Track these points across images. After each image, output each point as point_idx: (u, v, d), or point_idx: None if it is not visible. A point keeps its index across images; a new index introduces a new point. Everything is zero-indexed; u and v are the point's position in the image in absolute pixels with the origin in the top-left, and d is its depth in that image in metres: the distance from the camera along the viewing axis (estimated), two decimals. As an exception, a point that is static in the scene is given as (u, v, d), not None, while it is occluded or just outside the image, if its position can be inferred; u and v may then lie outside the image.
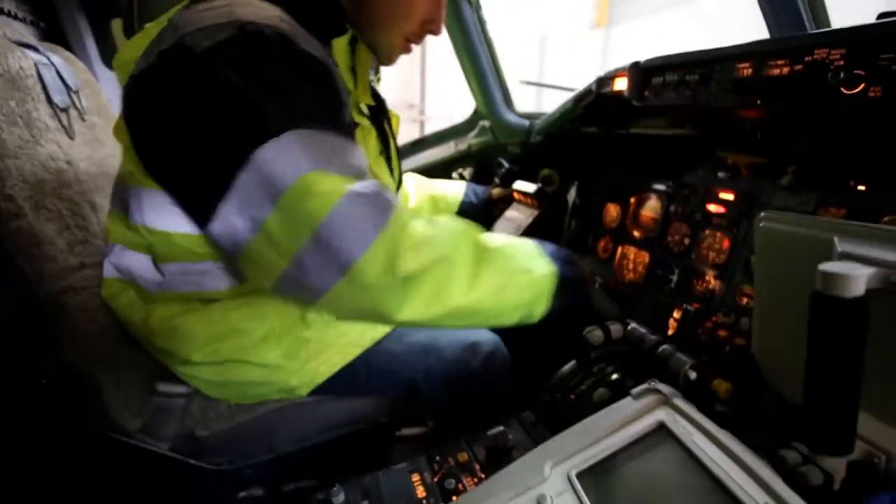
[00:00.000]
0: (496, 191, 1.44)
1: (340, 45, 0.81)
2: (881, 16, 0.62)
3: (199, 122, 0.64)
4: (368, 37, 0.85)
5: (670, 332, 0.94)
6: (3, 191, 0.78)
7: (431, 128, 2.07)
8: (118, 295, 0.83)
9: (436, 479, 0.66)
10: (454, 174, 1.86)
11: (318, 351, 0.88)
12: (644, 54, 0.99)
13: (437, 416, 1.07)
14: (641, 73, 0.97)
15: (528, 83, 2.01)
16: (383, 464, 0.70)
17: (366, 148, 0.89)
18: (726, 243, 0.90)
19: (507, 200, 1.44)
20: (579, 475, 0.49)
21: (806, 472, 0.43)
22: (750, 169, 0.91)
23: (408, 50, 0.88)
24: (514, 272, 0.76)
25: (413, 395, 0.95)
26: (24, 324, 0.85)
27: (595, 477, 0.49)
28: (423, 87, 7.61)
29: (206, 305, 0.81)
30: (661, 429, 0.51)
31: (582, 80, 1.21)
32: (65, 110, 0.95)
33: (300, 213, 0.62)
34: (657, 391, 0.55)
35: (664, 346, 0.69)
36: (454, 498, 0.62)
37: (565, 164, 1.40)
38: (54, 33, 1.37)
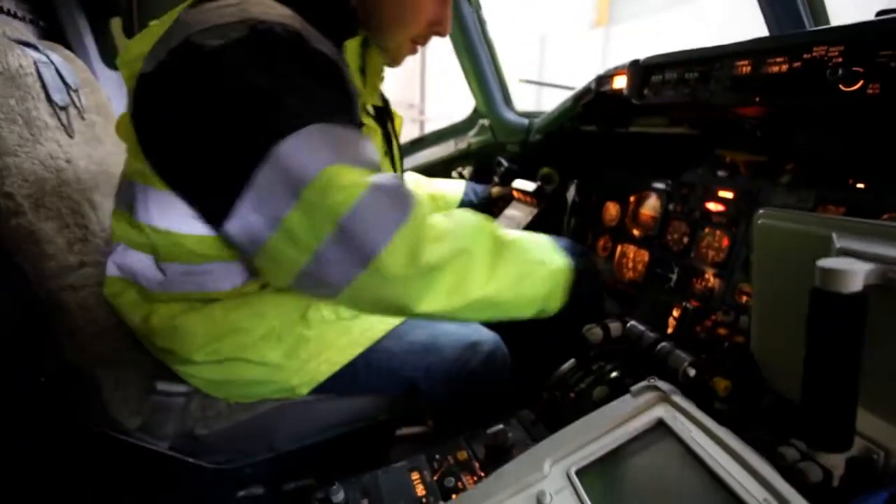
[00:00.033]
0: (496, 189, 1.44)
1: (352, 46, 0.81)
2: (880, 13, 0.62)
3: (213, 121, 0.64)
4: (375, 38, 0.85)
5: (670, 330, 0.94)
6: (3, 189, 0.78)
7: (431, 128, 2.07)
8: (120, 294, 0.83)
9: (435, 478, 0.66)
10: (454, 173, 1.86)
11: (318, 350, 0.88)
12: (644, 54, 0.99)
13: (437, 415, 1.07)
14: (641, 71, 0.97)
15: (528, 82, 2.01)
16: (383, 462, 0.70)
17: None
18: (725, 242, 0.90)
19: (506, 199, 1.44)
20: (578, 472, 0.49)
21: (805, 468, 0.43)
22: (749, 167, 0.91)
23: (414, 51, 0.89)
24: (532, 264, 0.77)
25: (413, 394, 0.95)
26: (23, 322, 0.85)
27: (594, 474, 0.49)
28: (423, 87, 7.62)
29: (207, 305, 0.81)
30: (661, 426, 0.51)
31: (582, 79, 1.21)
32: (64, 109, 0.95)
33: (323, 205, 0.62)
34: (656, 388, 0.55)
35: (663, 344, 0.69)
36: (454, 496, 0.62)
37: (565, 162, 1.40)
38: (54, 32, 1.37)
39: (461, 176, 1.84)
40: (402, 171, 1.08)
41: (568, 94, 1.29)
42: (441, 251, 0.67)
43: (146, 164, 0.72)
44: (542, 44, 7.14)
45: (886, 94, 0.59)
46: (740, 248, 0.87)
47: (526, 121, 1.67)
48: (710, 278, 0.91)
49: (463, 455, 0.70)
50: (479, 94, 1.78)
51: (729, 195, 0.91)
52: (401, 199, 0.66)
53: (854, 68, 0.61)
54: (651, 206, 1.09)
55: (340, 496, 0.62)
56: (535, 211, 1.35)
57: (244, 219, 0.64)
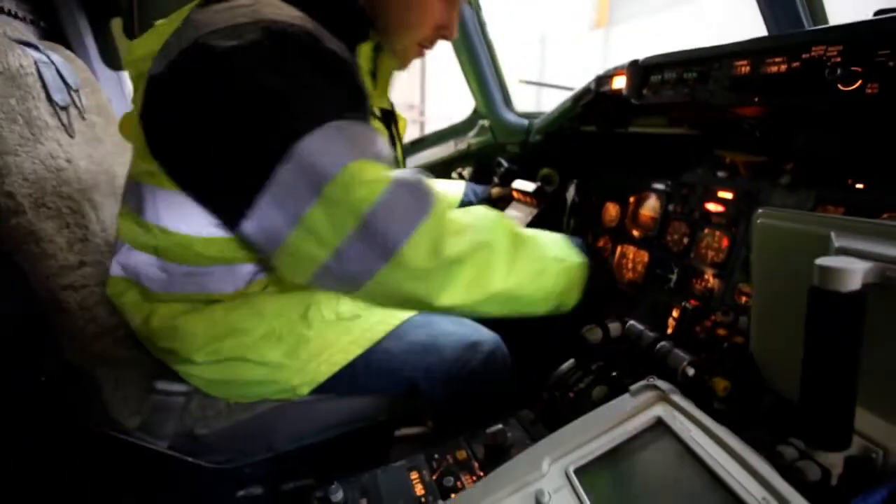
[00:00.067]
0: (495, 190, 1.44)
1: (364, 50, 0.82)
2: (878, 12, 0.62)
3: (229, 121, 0.64)
4: (383, 41, 0.85)
5: (669, 331, 0.94)
6: (3, 188, 0.78)
7: (431, 128, 2.07)
8: (122, 294, 0.83)
9: (434, 477, 0.66)
10: (453, 174, 1.86)
11: (319, 350, 0.88)
12: (644, 54, 0.99)
13: (437, 416, 1.07)
14: (640, 71, 0.97)
15: (528, 82, 2.01)
16: (382, 462, 0.70)
17: None
18: (725, 242, 0.90)
19: (506, 200, 1.44)
20: (577, 471, 0.49)
21: (803, 467, 0.43)
22: (748, 168, 0.91)
23: (421, 55, 0.89)
24: (549, 260, 0.78)
25: (413, 394, 0.95)
26: (22, 322, 0.85)
27: (593, 472, 0.49)
28: (424, 87, 7.63)
29: (208, 306, 0.81)
30: (659, 425, 0.51)
31: (582, 80, 1.21)
32: (65, 109, 0.95)
33: (346, 201, 0.63)
34: (655, 387, 0.55)
35: (662, 343, 0.69)
36: (452, 495, 0.62)
37: (564, 163, 1.40)
38: (54, 32, 1.38)
39: (461, 176, 1.84)
40: None
41: (568, 94, 1.29)
42: (462, 244, 0.68)
43: (154, 164, 0.72)
44: (543, 44, 7.15)
45: (884, 94, 0.59)
46: (740, 248, 0.87)
47: (526, 121, 1.67)
48: (710, 279, 0.91)
49: (462, 455, 0.70)
50: (478, 94, 1.78)
51: (728, 196, 0.91)
52: (422, 194, 0.67)
53: (852, 68, 0.61)
54: (651, 206, 1.09)
55: (339, 495, 0.62)
56: (534, 211, 1.35)
57: (263, 218, 0.65)
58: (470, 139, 1.81)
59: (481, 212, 0.75)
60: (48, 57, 0.94)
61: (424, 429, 1.19)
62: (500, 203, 1.44)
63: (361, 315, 0.93)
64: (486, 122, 1.77)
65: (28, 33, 0.99)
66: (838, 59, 0.63)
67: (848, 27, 0.64)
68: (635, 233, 1.12)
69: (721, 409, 0.59)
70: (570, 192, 1.33)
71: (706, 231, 0.94)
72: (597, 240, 1.25)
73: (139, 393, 0.86)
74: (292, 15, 0.69)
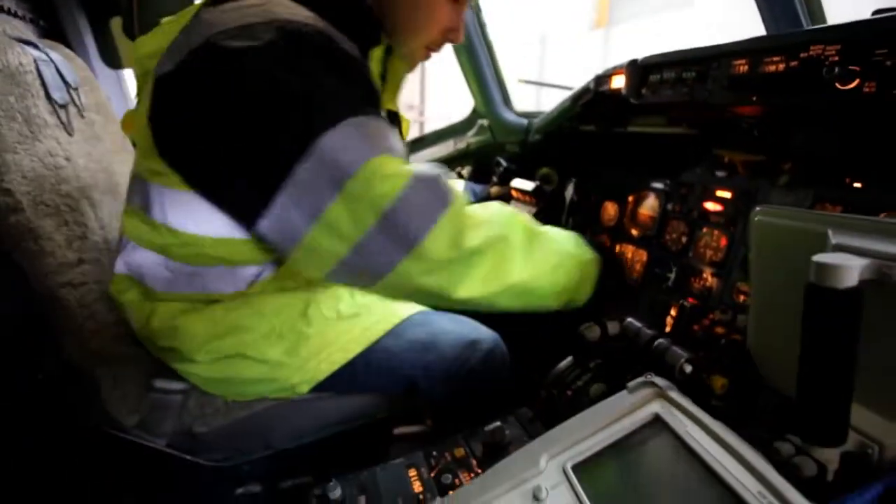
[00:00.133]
0: (494, 189, 1.45)
1: (376, 54, 0.83)
2: (876, 12, 0.63)
3: (245, 121, 0.65)
4: (391, 44, 0.86)
5: (667, 329, 0.94)
6: (2, 185, 0.78)
7: (431, 128, 2.07)
8: (124, 292, 0.83)
9: (432, 475, 0.66)
10: (452, 173, 1.86)
11: (319, 348, 0.88)
12: (643, 54, 0.99)
13: (436, 414, 1.07)
14: (639, 70, 0.97)
15: (527, 82, 2.02)
16: (381, 460, 0.70)
17: None
18: (723, 241, 0.90)
19: (505, 199, 1.44)
20: (575, 467, 0.49)
21: (799, 463, 0.44)
22: (747, 167, 0.91)
23: (427, 57, 0.90)
24: (563, 255, 0.80)
25: (412, 393, 0.95)
26: (21, 319, 0.85)
27: (590, 469, 0.49)
28: (423, 88, 7.63)
29: (208, 306, 0.81)
30: (657, 421, 0.51)
31: (581, 80, 1.22)
32: (64, 107, 0.95)
33: (367, 196, 0.64)
34: (653, 384, 0.55)
35: (660, 341, 0.69)
36: (451, 493, 0.62)
37: (563, 162, 1.40)
38: (54, 31, 1.38)
39: (460, 176, 1.84)
40: None
41: (567, 94, 1.29)
42: (480, 237, 0.69)
43: (162, 163, 0.72)
44: (543, 44, 7.15)
45: (882, 93, 0.59)
46: (738, 247, 0.87)
47: (525, 121, 1.67)
48: (708, 278, 0.91)
49: (460, 452, 0.70)
50: (478, 94, 1.78)
51: (727, 195, 0.91)
52: (442, 188, 0.69)
53: (850, 67, 0.61)
54: (649, 205, 1.09)
55: (337, 493, 0.62)
56: (533, 210, 1.35)
57: (281, 215, 0.65)
58: (469, 138, 1.82)
59: (496, 207, 0.78)
60: (47, 55, 0.94)
61: (423, 427, 1.19)
62: (499, 202, 1.45)
63: (361, 313, 0.93)
64: (485, 122, 1.77)
65: (27, 32, 0.99)
66: (836, 59, 0.63)
67: (846, 27, 0.64)
68: (634, 232, 1.12)
69: (719, 406, 0.59)
70: (569, 192, 1.33)
71: (705, 230, 0.94)
72: (595, 239, 1.25)
73: (137, 391, 0.86)
74: (304, 15, 0.70)
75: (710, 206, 0.94)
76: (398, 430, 1.11)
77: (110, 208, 1.01)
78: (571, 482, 0.47)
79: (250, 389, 0.87)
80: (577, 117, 1.28)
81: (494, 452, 0.67)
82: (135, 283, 0.83)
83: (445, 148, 1.92)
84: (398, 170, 0.65)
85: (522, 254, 0.74)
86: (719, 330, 0.84)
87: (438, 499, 0.61)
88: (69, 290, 0.84)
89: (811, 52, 0.66)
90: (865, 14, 0.63)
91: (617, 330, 0.79)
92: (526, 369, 1.03)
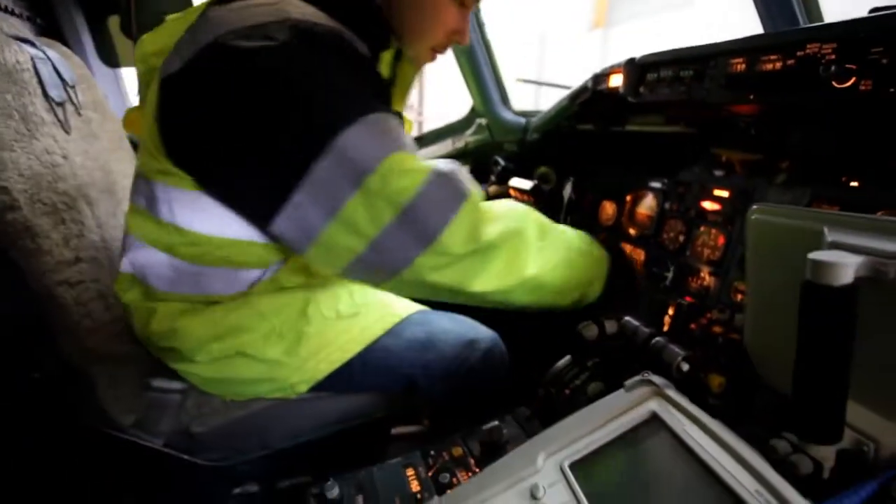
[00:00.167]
0: (492, 188, 1.45)
1: (386, 57, 0.83)
2: (872, 10, 0.63)
3: (260, 121, 0.64)
4: (400, 48, 0.86)
5: (665, 328, 0.94)
6: (-2, 183, 0.78)
7: (429, 127, 2.07)
8: (127, 291, 0.83)
9: (430, 474, 0.66)
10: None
11: (318, 347, 0.88)
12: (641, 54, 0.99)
13: (434, 414, 1.07)
14: (637, 69, 0.98)
15: (526, 81, 2.02)
16: (379, 460, 0.70)
17: None
18: (721, 240, 0.90)
19: (503, 198, 1.44)
20: (572, 465, 0.49)
21: (796, 460, 0.44)
22: (744, 166, 0.91)
23: (433, 59, 0.90)
24: (576, 251, 0.82)
25: (411, 392, 0.95)
26: (17, 318, 0.85)
27: (587, 467, 0.49)
28: (422, 88, 7.63)
29: (208, 307, 0.81)
30: (654, 419, 0.51)
31: (580, 80, 1.22)
32: (61, 105, 0.95)
33: (387, 191, 0.64)
34: (650, 382, 0.55)
35: (657, 339, 0.70)
36: (448, 492, 0.62)
37: (561, 161, 1.40)
38: (51, 29, 1.38)
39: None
40: None
41: (565, 93, 1.29)
42: (497, 230, 0.71)
43: (169, 163, 0.71)
44: (541, 44, 7.16)
45: (878, 91, 0.59)
46: (736, 246, 0.87)
47: (523, 120, 1.67)
48: (706, 276, 0.91)
49: (458, 451, 0.70)
50: (476, 93, 1.78)
51: (724, 194, 0.91)
52: (460, 183, 0.69)
53: (846, 65, 0.61)
54: (647, 205, 1.09)
55: (335, 492, 0.62)
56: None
57: (297, 213, 0.65)
58: (467, 137, 1.82)
59: (510, 203, 0.79)
60: (44, 53, 0.94)
61: (421, 427, 1.19)
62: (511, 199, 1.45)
63: (360, 313, 0.93)
64: (483, 121, 1.77)
65: (24, 29, 0.99)
66: (832, 57, 0.63)
67: (842, 25, 0.64)
68: (632, 231, 1.12)
69: (716, 404, 0.59)
70: (567, 191, 1.33)
71: (702, 229, 0.94)
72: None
73: (134, 390, 0.86)
74: (315, 14, 0.70)
75: (708, 205, 0.94)
76: (396, 430, 1.11)
77: (107, 207, 1.00)
78: (569, 480, 0.47)
79: (249, 389, 0.87)
80: (574, 116, 1.28)
81: (492, 451, 0.67)
82: (137, 283, 0.83)
83: (444, 147, 1.92)
84: (417, 165, 0.66)
85: (536, 248, 0.76)
86: (717, 329, 0.84)
87: (436, 498, 0.61)
88: (66, 289, 0.84)
89: (808, 51, 0.66)
90: (862, 12, 0.63)
91: (615, 329, 0.79)
92: (524, 368, 1.03)
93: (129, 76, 1.62)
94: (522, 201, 1.39)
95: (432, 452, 0.70)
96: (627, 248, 1.12)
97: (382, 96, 0.75)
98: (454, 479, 0.64)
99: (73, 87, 1.00)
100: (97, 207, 0.97)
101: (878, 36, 0.59)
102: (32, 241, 0.81)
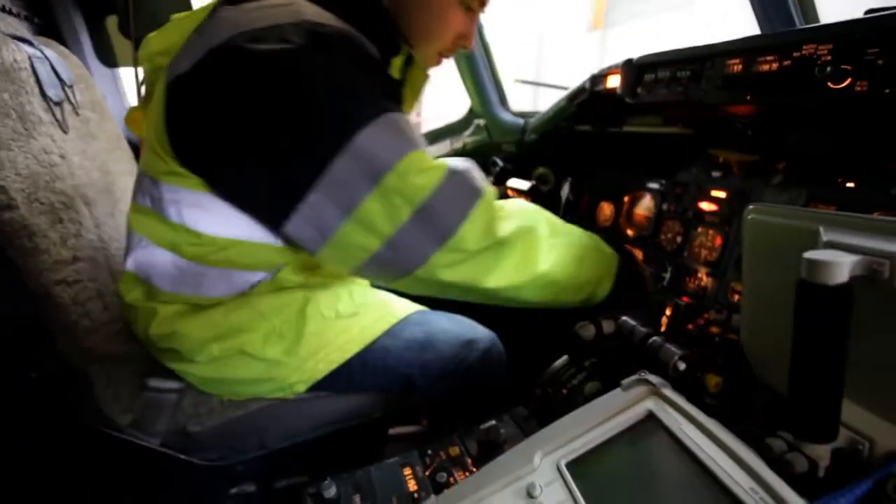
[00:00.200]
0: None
1: (396, 63, 0.84)
2: (868, 11, 0.63)
3: (276, 122, 0.64)
4: (410, 53, 0.87)
5: (662, 328, 0.94)
6: (-5, 182, 0.78)
7: (427, 128, 2.07)
8: (129, 292, 0.83)
9: (427, 473, 0.66)
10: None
11: (317, 347, 0.88)
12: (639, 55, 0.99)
13: (433, 412, 1.07)
14: (634, 70, 0.98)
15: (524, 82, 2.02)
16: (376, 460, 0.70)
17: None
18: (718, 241, 0.91)
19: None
20: (568, 465, 0.49)
21: (791, 459, 0.44)
22: (741, 167, 0.91)
23: (439, 63, 0.91)
24: (586, 248, 0.84)
25: (409, 391, 0.95)
26: (15, 317, 0.85)
27: (584, 466, 0.49)
28: (421, 88, 7.62)
29: (209, 308, 0.81)
30: (650, 418, 0.51)
31: (578, 81, 1.22)
32: (59, 104, 0.95)
33: (404, 189, 0.65)
34: (646, 382, 0.55)
35: (654, 338, 0.70)
36: (445, 491, 0.62)
37: (559, 162, 1.40)
38: (49, 29, 1.38)
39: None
40: None
41: (563, 94, 1.30)
42: (511, 226, 0.73)
43: (176, 163, 0.71)
44: (540, 44, 7.17)
45: (874, 92, 0.60)
46: (733, 247, 0.88)
47: (521, 121, 1.67)
48: (703, 277, 0.91)
49: (455, 451, 0.70)
50: (474, 94, 1.78)
51: (722, 195, 0.92)
52: (475, 181, 0.71)
53: (842, 66, 0.61)
54: (645, 205, 1.09)
55: (332, 491, 0.62)
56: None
57: (312, 213, 0.66)
58: (465, 138, 1.82)
59: (520, 202, 0.81)
60: (42, 52, 0.94)
61: (419, 427, 1.19)
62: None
63: (359, 313, 0.93)
64: (481, 122, 1.77)
65: (22, 29, 0.99)
66: (828, 58, 0.63)
67: (838, 26, 0.64)
68: (629, 232, 1.12)
69: (712, 403, 0.60)
70: (565, 191, 1.33)
71: (700, 230, 0.94)
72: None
73: (131, 390, 0.86)
74: (327, 16, 0.70)
75: (705, 205, 0.94)
76: (394, 431, 1.11)
77: (105, 206, 1.00)
78: (565, 479, 0.47)
79: (248, 389, 0.87)
80: (572, 117, 1.28)
81: (489, 451, 0.67)
82: (140, 283, 0.83)
83: (442, 148, 1.92)
84: (433, 164, 0.67)
85: (548, 245, 0.77)
86: (714, 329, 0.84)
87: (433, 497, 0.61)
88: (63, 288, 0.84)
89: (804, 52, 0.66)
90: (858, 13, 0.64)
91: (612, 329, 0.80)
92: (522, 368, 1.03)
93: (128, 76, 1.62)
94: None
95: (430, 452, 0.70)
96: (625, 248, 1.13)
97: (395, 97, 0.76)
98: (451, 479, 0.64)
99: (70, 86, 1.00)
100: (95, 207, 0.97)
101: (874, 37, 0.59)
102: (30, 241, 0.81)
